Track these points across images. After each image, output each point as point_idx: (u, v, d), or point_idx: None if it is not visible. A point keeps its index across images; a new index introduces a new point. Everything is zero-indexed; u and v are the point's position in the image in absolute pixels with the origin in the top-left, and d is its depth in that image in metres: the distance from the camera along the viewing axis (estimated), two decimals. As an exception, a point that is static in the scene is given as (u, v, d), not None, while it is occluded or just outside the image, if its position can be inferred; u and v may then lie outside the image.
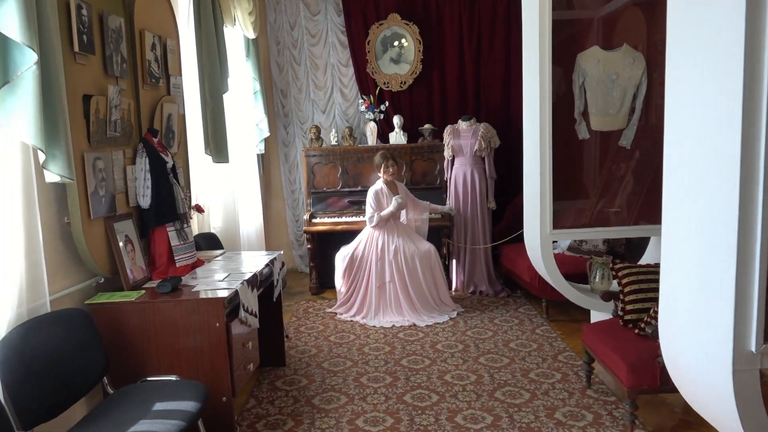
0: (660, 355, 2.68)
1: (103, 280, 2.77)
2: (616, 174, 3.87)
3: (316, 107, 6.32)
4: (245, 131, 5.20)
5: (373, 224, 4.88)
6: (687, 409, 3.09)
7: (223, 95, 4.17)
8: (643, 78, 3.70)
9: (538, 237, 3.69)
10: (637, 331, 2.93)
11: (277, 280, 3.52)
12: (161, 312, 2.60)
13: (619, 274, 3.17)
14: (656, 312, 2.79)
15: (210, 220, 4.29)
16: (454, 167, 5.58)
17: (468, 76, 6.12)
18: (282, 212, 6.59)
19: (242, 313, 2.75)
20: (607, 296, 3.29)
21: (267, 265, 3.38)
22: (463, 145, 5.48)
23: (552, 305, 4.67)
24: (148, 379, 2.45)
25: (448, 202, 5.59)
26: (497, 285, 5.47)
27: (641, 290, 3.06)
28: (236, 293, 2.73)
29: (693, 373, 1.98)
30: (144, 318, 2.59)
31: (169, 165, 3.14)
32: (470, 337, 4.28)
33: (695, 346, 1.92)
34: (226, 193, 4.49)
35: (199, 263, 3.29)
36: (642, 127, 3.77)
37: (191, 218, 3.25)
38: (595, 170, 3.89)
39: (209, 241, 4.04)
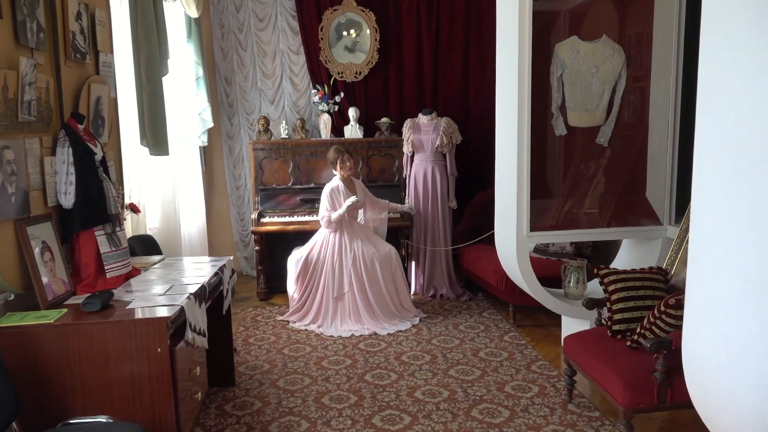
0: (657, 370, 2.47)
1: (12, 297, 2.26)
2: (593, 173, 3.67)
3: (263, 97, 5.85)
4: (186, 121, 4.68)
5: (327, 225, 4.49)
6: (674, 422, 2.92)
7: (162, 79, 3.67)
8: (623, 71, 3.51)
9: (514, 240, 3.43)
10: (629, 343, 2.72)
11: (227, 291, 3.08)
12: (88, 336, 2.13)
13: (605, 280, 2.95)
14: (651, 322, 2.58)
15: (146, 220, 3.77)
16: (413, 164, 5.27)
17: (426, 67, 5.82)
18: (225, 211, 6.07)
19: (189, 334, 2.31)
20: (591, 304, 3.06)
21: (216, 273, 2.94)
22: (423, 140, 5.17)
23: (517, 309, 4.44)
24: (71, 421, 1.99)
25: (407, 201, 5.27)
26: (458, 288, 5.22)
27: (630, 298, 2.85)
28: (181, 310, 2.29)
29: (737, 406, 1.72)
30: (66, 344, 2.12)
31: (98, 157, 2.64)
32: (436, 347, 3.98)
33: (740, 373, 1.67)
34: (165, 189, 3.98)
35: (134, 273, 2.81)
36: (618, 124, 3.58)
37: (124, 219, 2.75)
38: (571, 169, 3.67)
39: (145, 245, 3.54)
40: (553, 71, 3.46)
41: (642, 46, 3.57)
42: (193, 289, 2.54)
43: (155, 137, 3.51)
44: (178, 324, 2.32)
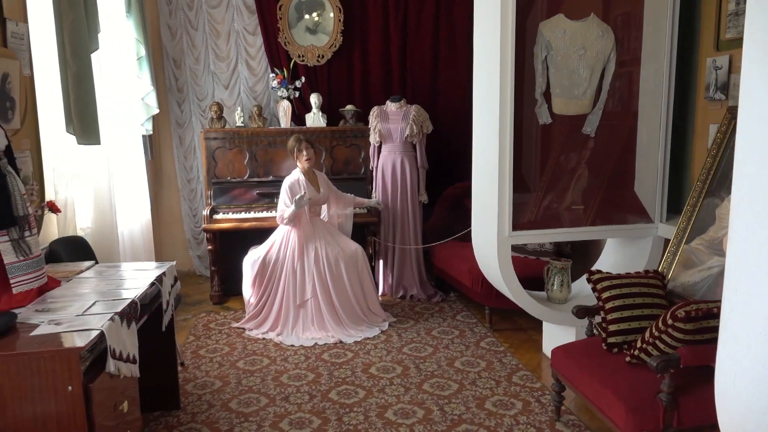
0: (663, 391, 2.17)
1: None
2: (575, 166, 3.35)
3: (217, 81, 5.35)
4: (127, 106, 4.16)
5: (284, 222, 4.07)
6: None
7: (92, 55, 3.17)
8: (611, 54, 3.20)
9: (494, 239, 3.10)
10: (628, 358, 2.41)
11: (168, 303, 2.64)
12: (-23, 372, 1.68)
13: (598, 287, 2.64)
14: (655, 336, 2.27)
15: (76, 219, 3.28)
16: (381, 155, 4.89)
17: (393, 52, 5.42)
18: (176, 205, 5.56)
19: (112, 365, 1.88)
20: (582, 312, 2.75)
21: (153, 283, 2.49)
22: (392, 129, 4.79)
23: (494, 311, 4.12)
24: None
25: (374, 195, 4.89)
26: (430, 288, 4.87)
27: (626, 306, 2.55)
28: (101, 336, 1.86)
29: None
30: (-54, 384, 1.66)
31: (1, 147, 2.16)
32: (408, 356, 3.63)
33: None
34: (99, 183, 3.48)
35: (51, 285, 2.34)
36: (604, 113, 3.28)
37: (34, 222, 2.28)
38: (551, 161, 3.34)
39: (74, 249, 3.06)
40: (537, 53, 3.12)
41: (630, 27, 3.26)
42: (119, 306, 2.10)
43: (83, 124, 3.02)
44: (98, 352, 1.88)
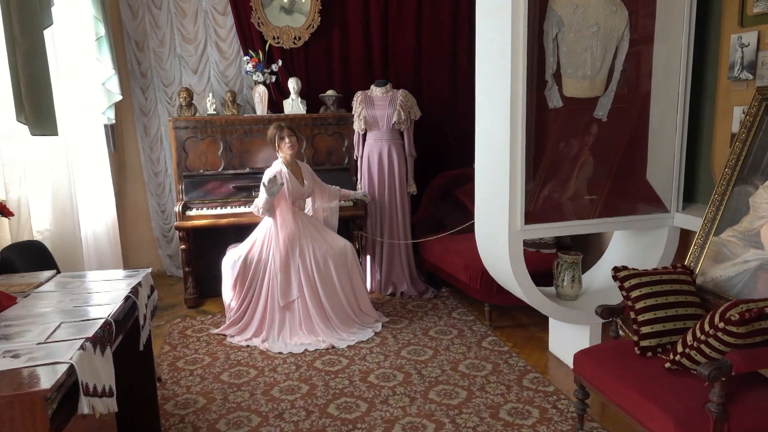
0: (712, 401, 1.96)
1: None
2: (581, 152, 3.12)
3: (184, 65, 4.93)
4: (86, 92, 3.73)
5: (260, 212, 3.71)
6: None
7: (45, 32, 2.75)
8: (625, 32, 2.96)
9: (504, 235, 2.84)
10: (668, 365, 2.19)
11: (145, 318, 2.29)
12: None
13: (625, 284, 2.42)
14: (700, 340, 2.06)
15: (31, 221, 2.87)
16: (366, 143, 4.58)
17: (375, 33, 5.09)
18: (142, 201, 5.13)
19: (85, 404, 1.54)
20: (607, 312, 2.53)
21: (128, 296, 2.14)
22: (378, 116, 4.48)
23: (492, 308, 3.89)
24: None
25: (359, 186, 4.59)
26: (420, 284, 4.61)
27: (658, 306, 2.33)
28: (71, 370, 1.52)
29: None
30: None
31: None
32: (408, 360, 3.36)
33: None
34: (57, 179, 3.06)
35: (3, 304, 1.97)
36: (617, 96, 3.05)
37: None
38: (556, 148, 3.10)
39: (30, 256, 2.66)
40: (547, 30, 2.86)
41: (641, 1, 3.02)
42: (90, 329, 1.75)
43: (36, 111, 2.62)
44: (66, 389, 1.54)
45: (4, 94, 2.66)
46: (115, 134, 4.72)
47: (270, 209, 3.69)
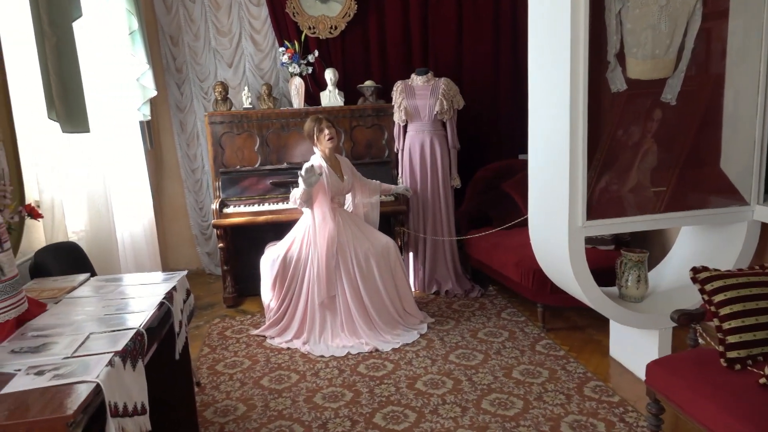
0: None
1: None
2: (644, 140, 2.84)
3: (219, 59, 4.81)
4: (120, 88, 3.64)
5: (298, 204, 3.55)
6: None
7: (74, 25, 2.64)
8: (697, 5, 2.66)
9: (564, 231, 2.60)
10: (763, 380, 1.92)
11: (181, 324, 2.15)
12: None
13: (707, 287, 2.15)
14: (803, 354, 1.78)
15: (66, 222, 2.77)
16: (407, 135, 4.37)
17: (413, 19, 4.88)
18: (180, 198, 5.07)
19: (113, 427, 1.40)
20: (685, 318, 2.26)
21: (162, 302, 2.01)
22: (419, 106, 4.26)
23: (545, 308, 3.63)
24: None
25: (400, 180, 4.39)
26: (466, 282, 4.39)
27: (747, 312, 2.06)
28: (97, 389, 1.37)
29: None
30: None
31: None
32: (457, 366, 3.16)
33: None
34: (92, 179, 2.97)
35: (33, 312, 1.85)
36: (686, 78, 2.75)
37: (6, 234, 1.79)
38: (615, 135, 2.82)
39: (65, 258, 2.57)
40: (609, 5, 2.59)
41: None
42: (120, 341, 1.61)
43: (68, 107, 2.51)
44: (93, 409, 1.40)
45: (36, 91, 2.57)
46: (151, 131, 4.65)
47: (308, 200, 3.53)
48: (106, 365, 1.46)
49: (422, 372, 3.10)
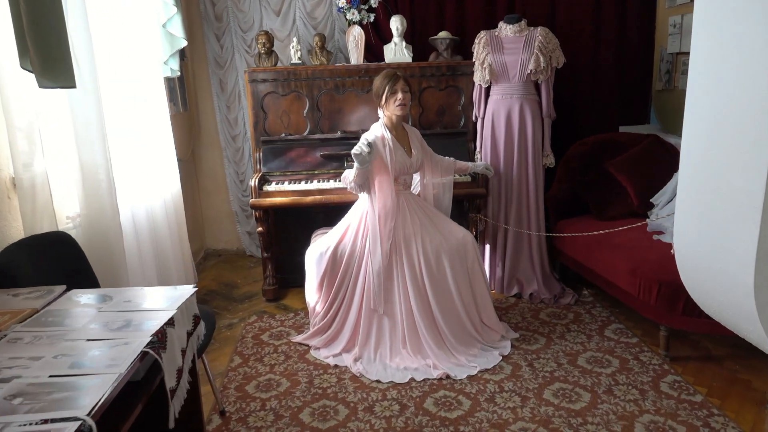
0: None
1: None
2: None
3: (265, 6, 4.06)
4: (138, 36, 2.95)
5: (351, 186, 2.84)
6: None
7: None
8: None
9: (750, 251, 1.73)
10: None
11: (180, 374, 1.46)
12: None
13: None
14: None
15: (53, 203, 2.12)
16: (490, 100, 3.51)
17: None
18: (219, 169, 4.43)
19: None
20: None
21: (144, 352, 1.31)
22: (508, 63, 3.38)
23: (669, 332, 2.78)
24: None
25: (478, 156, 3.56)
26: (555, 284, 3.56)
27: None
28: None
29: None
30: None
31: None
32: (555, 408, 2.38)
33: None
34: (89, 146, 2.29)
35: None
36: None
37: None
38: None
39: (48, 257, 1.93)
40: None
41: None
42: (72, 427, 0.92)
43: (43, 55, 1.82)
44: None
45: (4, 33, 1.89)
46: (185, 90, 3.98)
47: (363, 183, 2.79)
48: None
49: (510, 417, 2.34)
